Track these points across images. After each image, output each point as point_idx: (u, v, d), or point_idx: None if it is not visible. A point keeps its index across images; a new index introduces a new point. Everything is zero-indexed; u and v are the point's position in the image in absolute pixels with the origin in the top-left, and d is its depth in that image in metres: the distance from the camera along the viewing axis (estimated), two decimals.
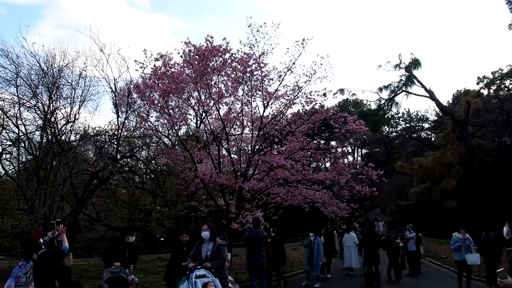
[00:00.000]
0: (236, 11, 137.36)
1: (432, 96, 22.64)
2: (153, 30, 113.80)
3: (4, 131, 12.34)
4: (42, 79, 12.40)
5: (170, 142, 16.12)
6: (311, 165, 14.93)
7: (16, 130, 12.45)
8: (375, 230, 11.44)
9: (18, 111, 12.22)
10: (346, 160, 40.20)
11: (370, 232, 10.80)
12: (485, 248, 8.80)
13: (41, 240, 4.67)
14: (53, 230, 4.96)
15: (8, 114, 12.05)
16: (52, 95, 12.44)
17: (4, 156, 13.15)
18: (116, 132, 13.38)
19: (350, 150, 49.76)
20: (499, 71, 29.11)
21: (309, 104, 11.62)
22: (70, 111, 12.99)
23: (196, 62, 11.22)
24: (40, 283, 4.32)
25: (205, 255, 5.80)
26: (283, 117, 12.75)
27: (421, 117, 41.67)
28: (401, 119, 42.67)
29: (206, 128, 13.15)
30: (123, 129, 13.65)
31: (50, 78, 12.48)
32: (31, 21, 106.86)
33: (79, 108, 13.11)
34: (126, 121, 13.72)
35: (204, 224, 6.17)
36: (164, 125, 14.30)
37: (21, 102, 12.13)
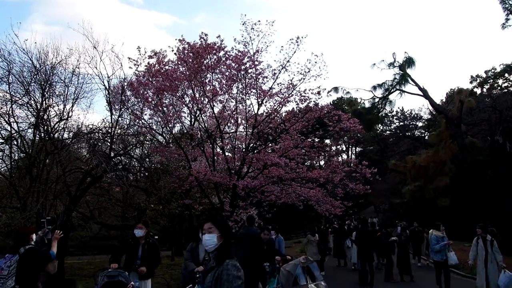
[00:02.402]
0: (229, 8, 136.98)
1: (425, 94, 22.83)
2: (146, 27, 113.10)
3: None
4: (35, 76, 12.24)
5: (164, 140, 16.05)
6: (305, 163, 14.96)
7: (8, 128, 12.29)
8: (369, 227, 11.51)
9: (10, 109, 12.06)
10: (340, 158, 40.49)
11: (363, 230, 10.89)
12: None
13: (34, 236, 4.63)
14: (43, 229, 4.91)
15: (0, 112, 11.92)
16: (45, 93, 12.28)
17: None
18: (109, 130, 13.25)
19: (344, 148, 50.03)
20: (492, 70, 29.35)
21: (303, 102, 11.62)
22: (63, 108, 12.81)
23: (190, 60, 11.15)
24: (22, 279, 4.24)
25: (203, 258, 5.44)
26: (278, 115, 12.73)
27: (415, 115, 42.00)
28: (395, 117, 42.94)
29: (200, 126, 13.11)
30: (117, 127, 13.52)
31: (43, 75, 12.31)
32: (21, 17, 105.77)
33: (72, 106, 12.92)
34: (119, 118, 13.56)
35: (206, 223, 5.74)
36: (158, 123, 14.23)
37: (13, 99, 11.96)
